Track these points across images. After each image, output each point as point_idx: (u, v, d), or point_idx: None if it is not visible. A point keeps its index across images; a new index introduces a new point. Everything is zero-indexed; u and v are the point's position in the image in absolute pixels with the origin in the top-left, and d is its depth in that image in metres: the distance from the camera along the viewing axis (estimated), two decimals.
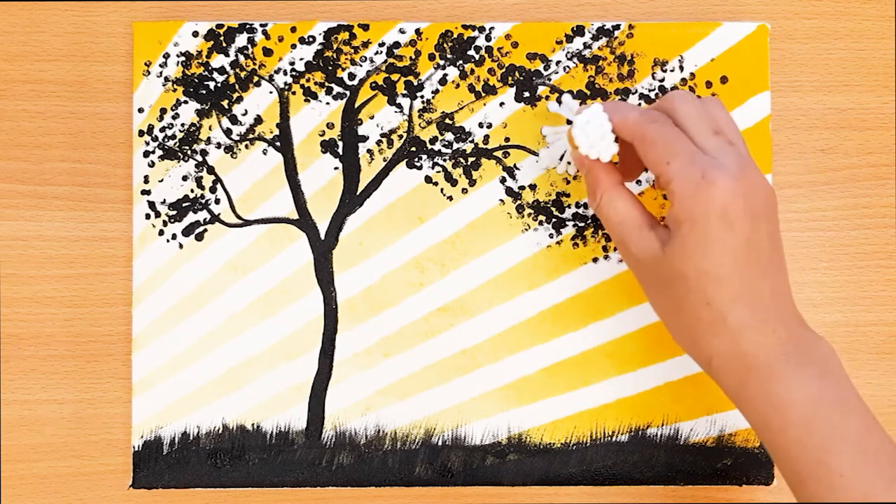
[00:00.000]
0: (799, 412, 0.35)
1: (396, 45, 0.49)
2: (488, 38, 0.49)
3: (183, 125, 0.48)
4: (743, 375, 0.37)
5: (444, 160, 0.49)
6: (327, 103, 0.49)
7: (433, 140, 0.49)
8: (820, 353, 0.37)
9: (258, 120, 0.49)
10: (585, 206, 0.48)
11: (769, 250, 0.37)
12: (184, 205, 0.48)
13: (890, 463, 0.35)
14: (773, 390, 0.36)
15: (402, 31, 0.49)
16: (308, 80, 0.49)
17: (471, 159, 0.49)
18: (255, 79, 0.49)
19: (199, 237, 0.48)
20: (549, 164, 0.45)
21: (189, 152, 0.48)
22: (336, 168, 0.48)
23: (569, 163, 0.44)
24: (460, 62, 0.49)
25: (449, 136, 0.49)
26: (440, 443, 0.48)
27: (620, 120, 0.38)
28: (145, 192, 0.48)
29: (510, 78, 0.49)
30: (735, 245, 0.36)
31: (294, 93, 0.49)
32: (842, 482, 0.34)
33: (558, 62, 0.49)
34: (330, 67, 0.49)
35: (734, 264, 0.36)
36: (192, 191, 0.48)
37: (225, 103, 0.49)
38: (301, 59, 0.49)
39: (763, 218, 0.36)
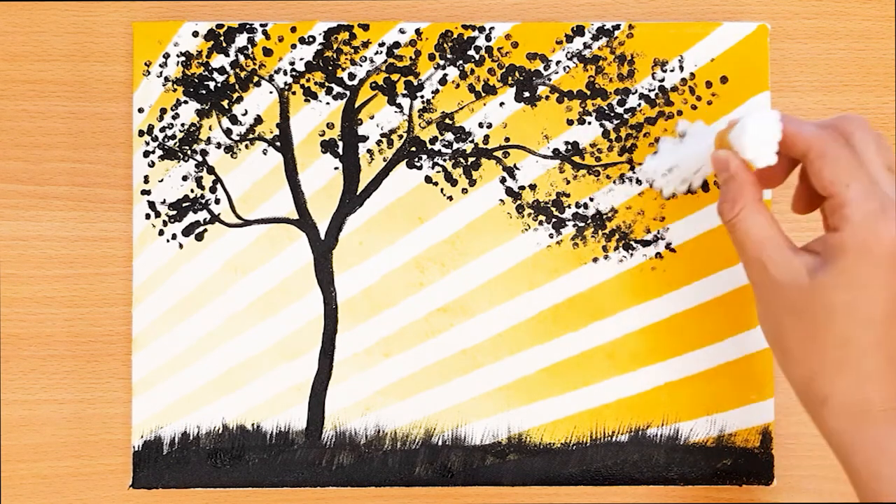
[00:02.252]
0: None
1: (396, 45, 0.49)
2: (488, 38, 0.49)
3: (183, 125, 0.48)
4: (859, 420, 0.35)
5: (444, 160, 0.49)
6: (327, 103, 0.49)
7: (433, 140, 0.49)
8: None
9: (258, 120, 0.49)
10: (585, 206, 0.48)
11: None
12: (184, 205, 0.48)
13: None
14: (891, 438, 0.34)
15: (402, 31, 0.49)
16: (308, 80, 0.49)
17: (471, 159, 0.49)
18: (255, 79, 0.49)
19: (199, 237, 0.48)
20: (651, 174, 0.43)
21: (189, 152, 0.48)
22: (336, 168, 0.48)
23: (667, 177, 0.43)
24: (460, 62, 0.49)
25: (449, 136, 0.49)
26: (440, 443, 0.48)
27: (796, 129, 0.36)
28: (145, 192, 0.48)
29: (510, 78, 0.49)
30: (891, 289, 0.34)
31: (294, 93, 0.49)
32: None
33: (558, 62, 0.49)
34: (330, 67, 0.49)
35: (885, 308, 0.34)
36: (192, 191, 0.48)
37: (225, 103, 0.49)
38: (301, 59, 0.49)
39: None
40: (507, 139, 0.49)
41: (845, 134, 0.36)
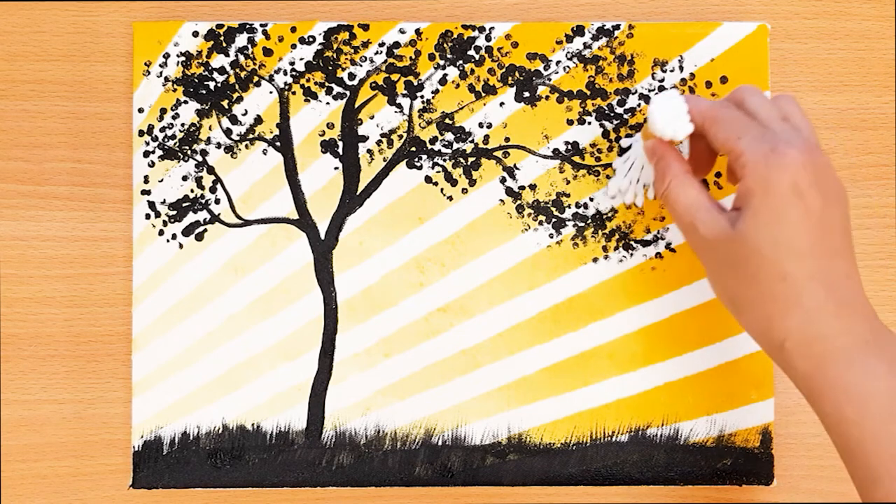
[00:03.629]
0: (878, 403, 0.34)
1: (396, 45, 0.49)
2: (488, 38, 0.49)
3: (183, 125, 0.48)
4: (818, 361, 0.35)
5: (444, 160, 0.49)
6: (327, 103, 0.49)
7: (433, 140, 0.49)
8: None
9: (258, 120, 0.49)
10: (585, 206, 0.48)
11: (841, 235, 0.36)
12: (184, 205, 0.48)
13: None
14: (852, 379, 0.34)
15: (402, 31, 0.49)
16: (308, 80, 0.49)
17: (471, 159, 0.49)
18: (255, 79, 0.49)
19: (199, 237, 0.48)
20: (615, 194, 0.47)
21: (189, 152, 0.48)
22: (336, 168, 0.48)
23: (634, 186, 0.46)
24: (460, 62, 0.49)
25: (449, 136, 0.49)
26: (440, 443, 0.48)
27: (694, 104, 0.39)
28: (145, 192, 0.48)
29: (510, 78, 0.49)
30: (808, 219, 0.35)
31: (294, 93, 0.49)
32: None
33: (558, 62, 0.49)
34: (330, 67, 0.49)
35: (808, 239, 0.35)
36: (192, 191, 0.48)
37: (225, 103, 0.49)
38: (301, 59, 0.49)
39: (834, 202, 0.36)
40: (507, 139, 0.49)
41: (737, 101, 0.39)
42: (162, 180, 0.48)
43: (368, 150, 0.49)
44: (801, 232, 0.35)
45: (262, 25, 0.48)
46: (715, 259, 0.38)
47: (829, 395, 0.35)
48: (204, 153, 0.48)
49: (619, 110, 0.48)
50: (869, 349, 0.35)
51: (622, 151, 0.48)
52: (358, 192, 0.48)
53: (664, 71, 0.49)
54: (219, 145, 0.48)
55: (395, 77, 0.49)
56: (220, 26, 0.49)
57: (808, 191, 0.35)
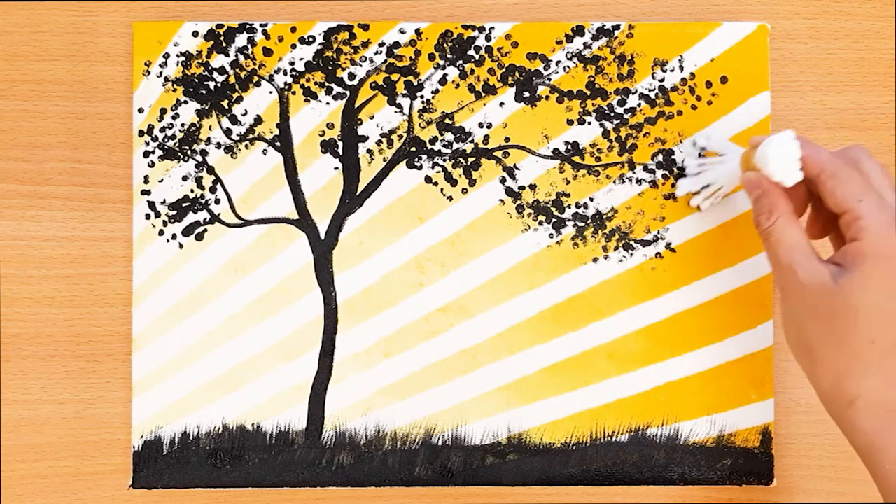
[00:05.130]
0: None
1: (396, 45, 0.49)
2: (488, 38, 0.49)
3: (183, 125, 0.48)
4: (887, 420, 0.36)
5: (444, 160, 0.49)
6: (327, 103, 0.49)
7: (433, 140, 0.49)
8: None
9: (258, 120, 0.49)
10: (585, 206, 0.48)
11: None
12: (184, 205, 0.48)
13: None
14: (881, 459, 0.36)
15: (402, 31, 0.49)
16: (308, 80, 0.49)
17: (471, 159, 0.49)
18: (255, 79, 0.49)
19: (199, 237, 0.48)
20: (685, 192, 0.48)
21: (189, 152, 0.48)
22: (336, 168, 0.48)
23: (703, 194, 0.47)
24: (460, 62, 0.49)
25: (449, 136, 0.49)
26: (440, 443, 0.48)
27: (813, 152, 0.39)
28: (145, 192, 0.48)
29: (510, 78, 0.49)
30: None
31: (294, 93, 0.49)
32: None
33: (558, 62, 0.49)
34: (330, 67, 0.49)
35: None
36: (192, 191, 0.48)
37: (225, 103, 0.49)
38: (301, 59, 0.49)
39: None
40: (507, 139, 0.49)
41: (853, 160, 0.39)
42: (162, 180, 0.48)
43: (368, 150, 0.49)
44: None
45: (262, 25, 0.48)
46: (803, 306, 0.38)
47: (890, 450, 0.36)
48: (204, 153, 0.48)
49: (619, 110, 0.48)
50: None
51: (691, 147, 0.48)
52: (358, 192, 0.48)
53: (664, 71, 0.49)
54: (219, 145, 0.48)
55: (395, 77, 0.49)
56: (220, 26, 0.49)
57: None
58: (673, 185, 0.48)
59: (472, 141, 0.49)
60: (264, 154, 0.48)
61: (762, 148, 0.40)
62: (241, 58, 0.49)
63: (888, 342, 0.36)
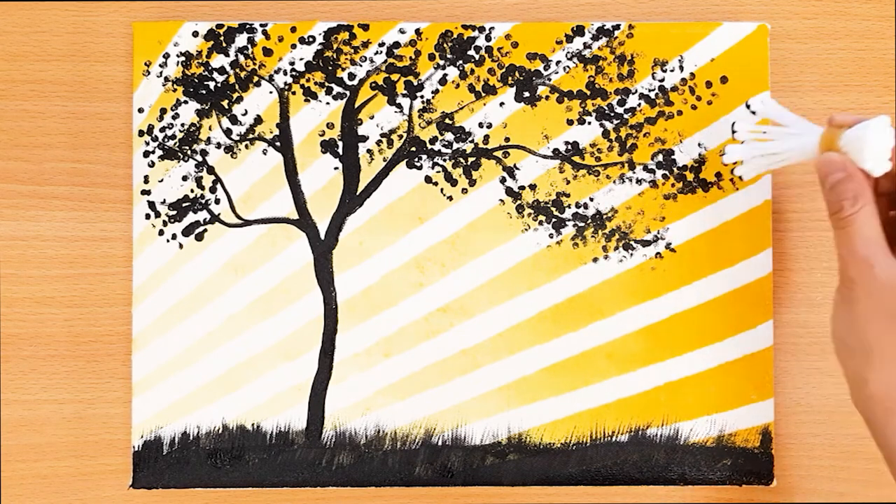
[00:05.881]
0: None
1: (396, 45, 0.49)
2: (488, 38, 0.49)
3: (183, 125, 0.48)
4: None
5: (444, 160, 0.49)
6: (327, 103, 0.49)
7: (433, 140, 0.49)
8: None
9: (258, 120, 0.49)
10: (585, 206, 0.48)
11: None
12: (184, 205, 0.48)
13: None
14: None
15: (402, 31, 0.49)
16: (308, 80, 0.49)
17: (471, 159, 0.49)
18: (255, 79, 0.49)
19: (199, 237, 0.48)
20: (736, 158, 0.43)
21: (189, 152, 0.48)
22: (336, 168, 0.48)
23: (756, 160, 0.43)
24: (460, 62, 0.49)
25: (449, 136, 0.49)
26: (440, 443, 0.48)
27: None
28: (145, 192, 0.48)
29: (510, 78, 0.49)
30: None
31: (294, 93, 0.49)
32: None
33: (558, 62, 0.49)
34: (330, 67, 0.49)
35: None
36: (192, 191, 0.48)
37: (225, 103, 0.49)
38: (301, 59, 0.49)
39: None
40: (507, 139, 0.49)
41: None
42: (162, 180, 0.48)
43: (368, 150, 0.49)
44: None
45: (262, 25, 0.48)
46: (873, 302, 0.37)
47: None
48: (204, 153, 0.48)
49: (619, 110, 0.48)
50: None
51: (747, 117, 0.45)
52: (358, 192, 0.48)
53: (664, 71, 0.49)
54: (219, 145, 0.48)
55: (395, 77, 0.49)
56: (220, 26, 0.49)
57: None
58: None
59: (472, 141, 0.49)
60: (264, 154, 0.48)
61: (858, 132, 0.37)
62: (241, 58, 0.49)
63: None
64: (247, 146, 0.49)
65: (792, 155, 0.41)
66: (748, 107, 0.45)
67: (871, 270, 0.36)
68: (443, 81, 0.49)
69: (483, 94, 0.49)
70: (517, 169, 0.48)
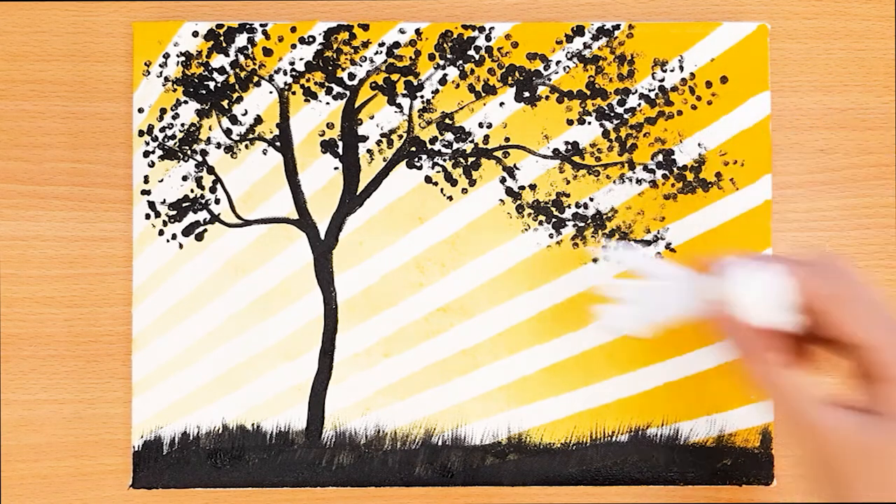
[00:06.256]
0: None
1: (396, 45, 0.49)
2: (488, 38, 0.49)
3: (183, 125, 0.48)
4: None
5: (444, 160, 0.49)
6: (327, 103, 0.49)
7: (433, 140, 0.49)
8: None
9: (258, 120, 0.49)
10: (585, 206, 0.48)
11: None
12: (184, 205, 0.48)
13: None
14: None
15: (402, 31, 0.49)
16: (308, 80, 0.49)
17: (471, 159, 0.49)
18: (255, 79, 0.49)
19: (199, 237, 0.48)
20: (615, 322, 0.37)
21: (189, 152, 0.48)
22: (336, 168, 0.48)
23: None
24: (460, 62, 0.49)
25: (449, 136, 0.49)
26: (440, 443, 0.48)
27: (807, 283, 0.33)
28: (145, 192, 0.48)
29: (510, 78, 0.49)
30: None
31: (294, 93, 0.49)
32: None
33: (558, 62, 0.49)
34: (330, 67, 0.49)
35: None
36: (192, 191, 0.48)
37: (225, 103, 0.49)
38: (301, 59, 0.49)
39: None
40: (507, 139, 0.49)
41: (834, 274, 0.34)
42: (162, 180, 0.48)
43: (368, 150, 0.49)
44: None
45: (262, 25, 0.48)
46: (828, 459, 0.33)
47: None
48: (204, 153, 0.48)
49: (619, 110, 0.48)
50: None
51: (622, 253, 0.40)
52: (358, 192, 0.48)
53: (664, 71, 0.49)
54: (219, 145, 0.48)
55: (395, 77, 0.49)
56: (220, 26, 0.49)
57: None
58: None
59: (472, 141, 0.49)
60: (264, 154, 0.48)
61: (739, 278, 0.32)
62: (241, 58, 0.49)
63: None
64: (247, 146, 0.49)
65: (671, 308, 0.36)
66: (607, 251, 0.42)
67: (812, 430, 0.33)
68: (443, 81, 0.49)
69: (483, 94, 0.49)
70: (517, 169, 0.48)
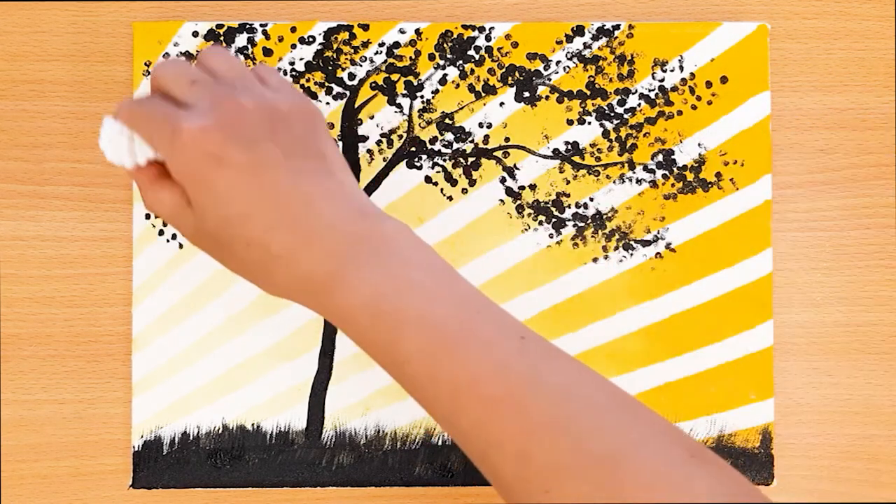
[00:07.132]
0: (361, 314, 0.33)
1: (396, 45, 0.49)
2: (488, 38, 0.49)
3: None
4: (310, 298, 0.35)
5: (444, 160, 0.49)
6: (327, 103, 0.49)
7: (433, 140, 0.49)
8: (383, 235, 0.34)
9: None
10: (585, 206, 0.48)
11: (287, 165, 0.35)
12: None
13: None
14: (335, 303, 0.34)
15: (402, 31, 0.49)
16: (308, 80, 0.49)
17: (471, 159, 0.49)
18: None
19: None
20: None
21: None
22: None
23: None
24: (460, 62, 0.49)
25: (449, 136, 0.49)
26: (440, 443, 0.48)
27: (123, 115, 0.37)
28: None
29: (510, 78, 0.49)
30: (238, 178, 0.34)
31: None
32: (410, 368, 0.33)
33: (558, 62, 0.49)
34: (330, 67, 0.49)
35: (248, 195, 0.34)
36: None
37: None
38: (301, 59, 0.49)
39: (266, 137, 0.34)
40: (507, 139, 0.49)
41: (154, 82, 0.38)
42: None
43: (368, 150, 0.49)
44: (236, 193, 0.34)
45: (262, 25, 0.48)
46: (204, 245, 0.38)
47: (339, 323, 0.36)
48: None
49: (619, 110, 0.48)
50: (346, 262, 0.35)
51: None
52: None
53: (664, 71, 0.49)
54: None
55: (395, 77, 0.49)
56: (220, 26, 0.49)
57: (222, 152, 0.34)
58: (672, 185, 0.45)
59: (472, 141, 0.49)
60: None
61: (103, 132, 0.37)
62: (242, 58, 0.49)
63: (259, 231, 0.35)
64: None
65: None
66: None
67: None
68: (443, 81, 0.49)
69: (483, 94, 0.49)
70: (517, 169, 0.48)
